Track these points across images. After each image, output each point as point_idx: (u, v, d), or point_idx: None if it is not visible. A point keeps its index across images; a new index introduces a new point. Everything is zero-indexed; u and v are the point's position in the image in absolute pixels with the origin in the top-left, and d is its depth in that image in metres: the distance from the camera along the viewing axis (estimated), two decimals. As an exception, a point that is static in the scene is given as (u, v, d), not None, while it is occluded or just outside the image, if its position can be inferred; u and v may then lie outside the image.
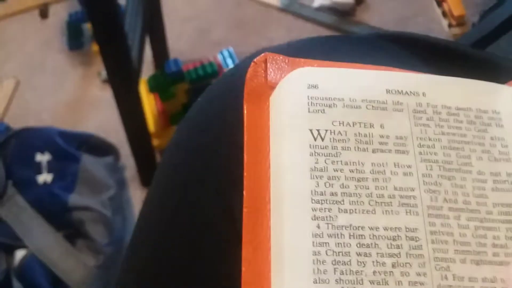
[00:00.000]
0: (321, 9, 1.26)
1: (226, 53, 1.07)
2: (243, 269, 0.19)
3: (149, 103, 1.02)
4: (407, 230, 0.19)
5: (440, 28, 1.20)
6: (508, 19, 0.79)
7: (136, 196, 0.98)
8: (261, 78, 0.23)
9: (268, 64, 0.23)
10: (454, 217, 0.19)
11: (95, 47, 1.24)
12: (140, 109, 0.88)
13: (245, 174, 0.21)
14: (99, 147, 0.94)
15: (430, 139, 0.21)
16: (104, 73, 1.18)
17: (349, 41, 0.29)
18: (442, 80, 0.23)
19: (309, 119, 0.21)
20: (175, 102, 0.99)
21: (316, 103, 0.21)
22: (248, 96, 0.22)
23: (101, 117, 1.11)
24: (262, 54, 0.23)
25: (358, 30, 1.21)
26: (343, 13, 1.25)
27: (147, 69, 1.05)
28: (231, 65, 1.05)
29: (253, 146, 0.21)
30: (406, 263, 0.18)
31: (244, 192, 0.20)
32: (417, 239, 0.19)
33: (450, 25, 1.18)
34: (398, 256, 0.18)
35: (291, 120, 0.21)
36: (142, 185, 0.99)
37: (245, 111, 0.22)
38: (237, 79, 0.26)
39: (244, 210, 0.20)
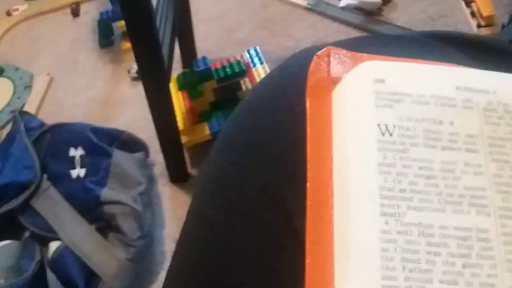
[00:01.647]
0: (347, 8, 1.26)
1: (253, 52, 1.08)
2: (306, 261, 0.19)
3: (178, 101, 1.04)
4: (478, 230, 0.18)
5: (469, 29, 1.19)
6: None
7: (165, 192, 1.00)
8: (324, 72, 0.22)
9: (331, 58, 0.23)
10: None
11: (124, 45, 1.26)
12: (170, 106, 0.90)
13: (308, 167, 0.20)
14: (129, 143, 0.96)
15: (501, 139, 0.20)
16: (133, 71, 1.20)
17: (399, 40, 0.29)
18: None
19: (376, 114, 0.20)
20: (203, 100, 1.01)
21: (384, 98, 0.21)
22: (311, 90, 0.22)
23: (130, 114, 1.13)
24: (325, 48, 0.23)
25: (385, 30, 1.21)
26: (370, 13, 1.25)
27: (175, 67, 1.07)
28: (258, 64, 1.06)
29: (315, 140, 0.21)
30: (476, 264, 0.18)
31: (308, 185, 0.20)
32: (488, 240, 0.18)
33: (479, 26, 1.17)
34: (469, 257, 0.18)
35: (358, 114, 0.20)
36: (170, 182, 1.00)
37: (307, 105, 0.22)
38: (285, 79, 0.27)
39: (308, 203, 0.20)
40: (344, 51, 0.23)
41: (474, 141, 0.20)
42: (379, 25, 1.23)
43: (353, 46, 0.24)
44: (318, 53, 0.23)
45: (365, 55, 0.23)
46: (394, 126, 0.20)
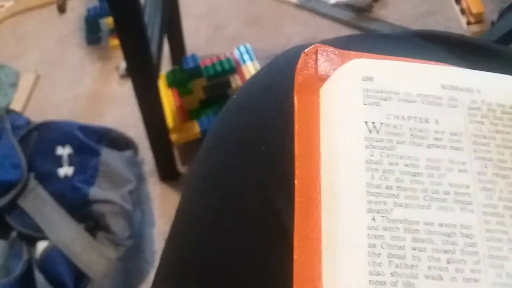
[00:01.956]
0: (337, 5, 1.26)
1: (243, 49, 1.07)
2: (294, 257, 0.19)
3: (167, 99, 1.03)
4: (462, 227, 0.19)
5: (458, 26, 1.19)
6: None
7: (154, 190, 0.99)
8: (312, 70, 0.23)
9: (319, 56, 0.23)
10: (509, 215, 0.19)
11: (112, 42, 1.24)
12: (159, 103, 0.89)
13: (296, 164, 0.21)
14: (118, 141, 0.95)
15: (484, 137, 0.21)
16: (122, 68, 1.19)
17: (386, 39, 0.29)
18: (497, 77, 0.23)
19: (364, 111, 0.21)
20: (193, 98, 1.00)
21: (372, 96, 0.21)
22: (298, 87, 0.22)
23: (119, 112, 1.12)
24: (313, 46, 0.23)
25: (375, 27, 1.21)
26: (360, 10, 1.25)
27: (164, 65, 1.06)
28: (248, 61, 1.05)
29: (303, 137, 0.21)
30: (460, 259, 0.18)
31: (296, 182, 0.20)
32: (472, 236, 0.19)
33: (468, 23, 1.18)
34: (453, 252, 0.18)
35: (346, 112, 0.21)
36: (160, 180, 1.00)
37: (295, 102, 0.22)
38: (273, 77, 0.27)
39: (296, 200, 0.20)
40: (331, 49, 0.23)
41: (459, 139, 0.21)
42: (369, 22, 1.23)
43: (340, 44, 0.24)
44: (306, 50, 0.23)
45: (352, 52, 0.23)
46: (381, 123, 0.20)
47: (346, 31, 1.21)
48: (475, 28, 1.16)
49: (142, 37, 0.79)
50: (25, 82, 1.20)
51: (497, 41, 0.77)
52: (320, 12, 1.26)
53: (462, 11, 1.20)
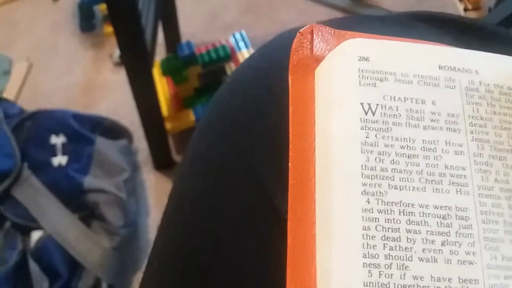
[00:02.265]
0: (334, -8, 1.24)
1: (238, 36, 1.06)
2: (288, 241, 0.19)
3: (162, 87, 1.02)
4: (457, 209, 0.19)
5: (455, 12, 1.18)
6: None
7: (149, 179, 0.98)
8: (307, 50, 0.22)
9: (314, 36, 0.22)
10: (505, 197, 0.19)
11: (106, 29, 1.23)
12: (154, 91, 0.88)
13: (290, 146, 0.20)
14: (112, 130, 0.94)
15: (482, 118, 0.20)
16: (116, 56, 1.18)
17: (382, 21, 0.29)
18: (495, 58, 0.22)
19: (360, 92, 0.20)
20: (188, 85, 0.99)
21: (367, 76, 0.20)
22: (293, 68, 0.22)
23: (113, 100, 1.11)
24: (308, 26, 0.23)
25: (372, 14, 1.19)
26: (357, -4, 1.23)
27: (159, 52, 1.04)
28: (243, 49, 1.04)
29: (298, 119, 0.21)
30: (455, 242, 0.18)
31: (290, 164, 0.20)
32: (467, 218, 0.18)
33: (465, 9, 1.17)
34: (448, 234, 0.18)
35: (341, 92, 0.20)
36: (155, 169, 0.99)
37: (290, 83, 0.21)
38: (266, 60, 0.26)
39: (290, 182, 0.20)
40: (327, 29, 0.22)
41: (456, 120, 0.20)
42: (365, 8, 1.21)
43: (335, 26, 0.24)
44: (301, 30, 0.22)
45: (348, 32, 0.22)
46: (377, 105, 0.20)
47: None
48: (472, 14, 1.15)
49: (136, 24, 0.78)
50: (18, 70, 1.18)
51: (502, 21, 0.76)
52: (316, -2, 1.25)
53: (460, -2, 1.19)
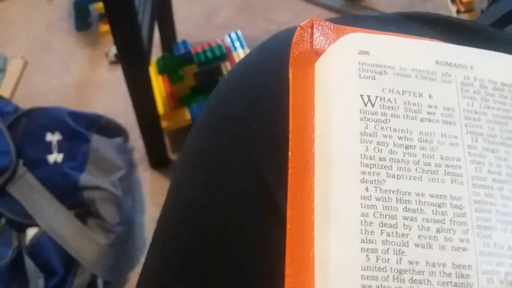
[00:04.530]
0: (329, -7, 1.25)
1: (234, 36, 1.07)
2: (287, 226, 0.19)
3: (158, 85, 1.02)
4: (452, 198, 0.19)
5: (448, 14, 1.19)
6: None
7: (145, 177, 0.98)
8: (307, 44, 0.23)
9: (314, 30, 0.23)
10: (497, 188, 0.20)
11: (102, 28, 1.23)
12: (150, 90, 0.88)
13: (290, 136, 0.21)
14: (108, 128, 0.94)
15: (476, 112, 0.21)
16: (111, 54, 1.18)
17: (376, 21, 0.29)
18: (489, 54, 0.23)
19: (359, 84, 0.21)
20: (184, 84, 0.99)
21: (367, 69, 0.21)
22: (294, 61, 0.22)
23: (109, 99, 1.11)
24: (308, 20, 0.23)
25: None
26: (351, -2, 1.25)
27: (155, 51, 1.05)
28: (239, 48, 1.05)
29: (298, 110, 0.21)
30: (450, 229, 0.19)
31: (290, 154, 0.21)
32: (461, 207, 0.19)
33: (458, 11, 1.18)
34: (443, 222, 0.19)
35: (341, 84, 0.21)
36: (150, 167, 0.99)
37: (290, 75, 0.22)
38: (264, 57, 0.27)
39: (290, 171, 0.20)
40: (327, 23, 0.23)
41: (451, 114, 0.21)
42: (360, 9, 1.23)
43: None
44: (302, 24, 0.23)
45: (347, 27, 0.23)
46: (376, 97, 0.21)
47: (337, 19, 1.21)
48: (464, 16, 1.16)
49: (133, 22, 0.78)
50: (13, 68, 1.18)
51: (495, 23, 0.78)
52: (311, -1, 1.26)
53: (452, 0, 1.20)
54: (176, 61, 0.96)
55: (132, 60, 0.83)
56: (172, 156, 1.01)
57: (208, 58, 0.98)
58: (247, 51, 1.03)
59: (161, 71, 0.99)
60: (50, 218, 0.79)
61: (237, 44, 1.05)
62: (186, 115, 0.98)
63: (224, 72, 1.01)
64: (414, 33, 0.28)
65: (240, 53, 1.04)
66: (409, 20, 0.29)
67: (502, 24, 0.74)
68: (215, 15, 1.25)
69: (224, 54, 0.99)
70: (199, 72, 0.99)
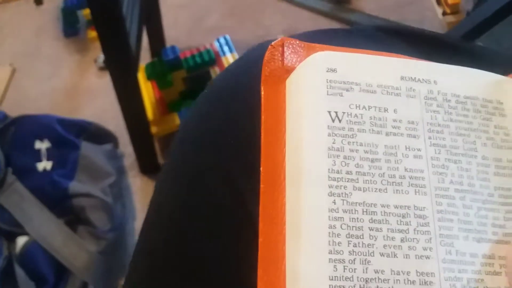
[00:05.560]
0: (317, -4, 1.26)
1: (222, 41, 1.07)
2: (260, 240, 0.20)
3: (147, 91, 1.03)
4: (416, 208, 0.20)
5: (434, 16, 1.21)
6: (502, 8, 0.81)
7: (135, 183, 0.99)
8: (278, 62, 0.23)
9: (285, 48, 0.24)
10: (459, 197, 0.21)
11: (90, 34, 1.23)
12: (139, 96, 0.88)
13: (262, 152, 0.22)
14: (98, 134, 0.94)
15: (439, 125, 0.22)
16: (100, 60, 1.18)
17: (348, 34, 0.30)
18: (453, 69, 0.24)
19: (328, 101, 0.22)
20: (173, 90, 1.00)
21: (335, 86, 0.22)
22: (265, 79, 0.23)
23: (98, 105, 1.11)
24: (279, 39, 0.24)
25: (354, 18, 1.21)
26: (339, 1, 1.25)
27: (144, 57, 1.05)
28: (228, 53, 1.05)
29: (270, 126, 0.22)
30: (413, 238, 0.19)
31: (262, 169, 0.21)
32: (425, 217, 0.20)
33: (444, 13, 1.19)
34: (407, 232, 0.20)
35: (310, 101, 0.22)
36: (141, 173, 0.99)
37: (262, 93, 0.23)
38: (242, 71, 0.28)
39: (262, 186, 0.21)
40: (297, 42, 0.24)
41: (415, 127, 0.22)
42: (348, 13, 1.23)
43: (306, 39, 0.25)
44: (273, 43, 0.24)
45: (317, 45, 0.24)
46: (344, 113, 0.21)
47: (324, 22, 1.22)
48: (450, 18, 1.18)
49: (121, 28, 0.78)
50: (1, 75, 1.17)
51: (468, 32, 0.79)
52: (298, 2, 1.26)
53: (438, 2, 1.22)
54: (165, 66, 0.97)
55: (120, 67, 0.83)
56: (162, 161, 1.01)
57: (197, 63, 0.98)
58: (236, 55, 1.04)
59: (150, 77, 0.99)
60: (40, 226, 0.79)
61: (225, 48, 1.06)
62: (176, 120, 0.98)
63: (213, 76, 1.01)
64: (386, 46, 0.29)
65: (228, 58, 1.04)
66: (381, 32, 0.30)
67: (472, 36, 0.75)
68: (204, 20, 1.26)
69: (212, 59, 0.99)
70: (188, 77, 0.99)
